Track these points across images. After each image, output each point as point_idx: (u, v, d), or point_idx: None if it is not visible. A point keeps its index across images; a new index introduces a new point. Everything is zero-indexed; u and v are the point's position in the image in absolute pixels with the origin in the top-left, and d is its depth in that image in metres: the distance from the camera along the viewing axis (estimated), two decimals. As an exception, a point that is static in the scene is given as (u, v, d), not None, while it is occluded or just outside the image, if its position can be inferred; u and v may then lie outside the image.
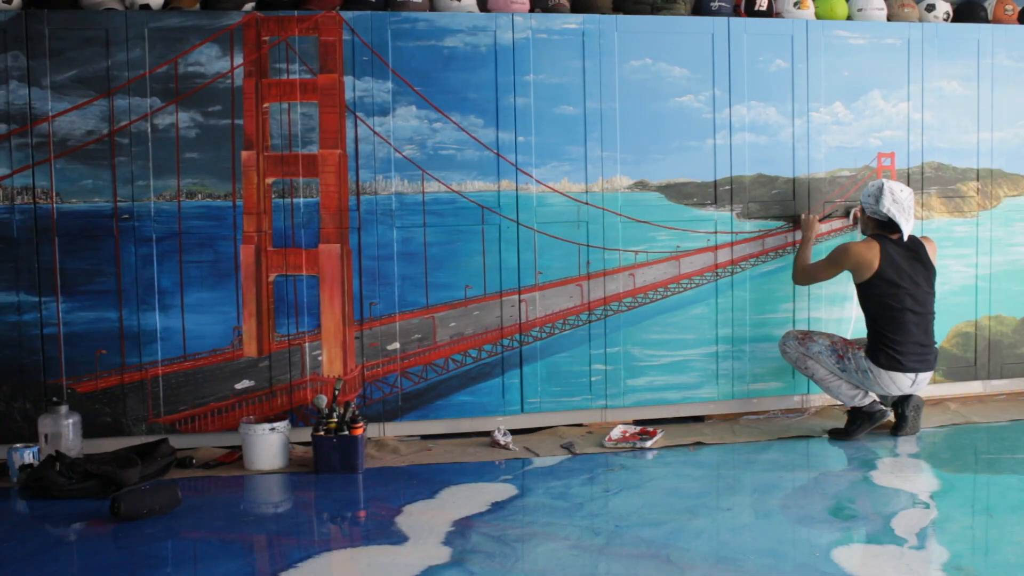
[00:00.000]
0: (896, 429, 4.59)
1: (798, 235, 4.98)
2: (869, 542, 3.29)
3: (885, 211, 4.50)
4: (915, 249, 4.54)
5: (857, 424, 4.58)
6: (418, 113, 4.56)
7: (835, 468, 4.20)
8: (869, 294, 4.53)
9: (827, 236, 5.02)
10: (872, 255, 4.49)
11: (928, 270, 4.54)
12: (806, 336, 4.69)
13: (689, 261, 4.89)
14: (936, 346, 4.62)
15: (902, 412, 4.60)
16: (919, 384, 4.54)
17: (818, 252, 5.01)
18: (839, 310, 5.04)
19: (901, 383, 4.49)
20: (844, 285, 5.03)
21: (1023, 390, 5.39)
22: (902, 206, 4.50)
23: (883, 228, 4.57)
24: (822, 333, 4.71)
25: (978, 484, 3.98)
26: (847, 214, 5.03)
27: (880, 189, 4.52)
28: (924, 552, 3.17)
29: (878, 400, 4.62)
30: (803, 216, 4.90)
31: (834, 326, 5.02)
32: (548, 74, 4.67)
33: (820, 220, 4.94)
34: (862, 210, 4.66)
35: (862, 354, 4.54)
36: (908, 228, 4.53)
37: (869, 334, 4.57)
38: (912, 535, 3.31)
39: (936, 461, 4.24)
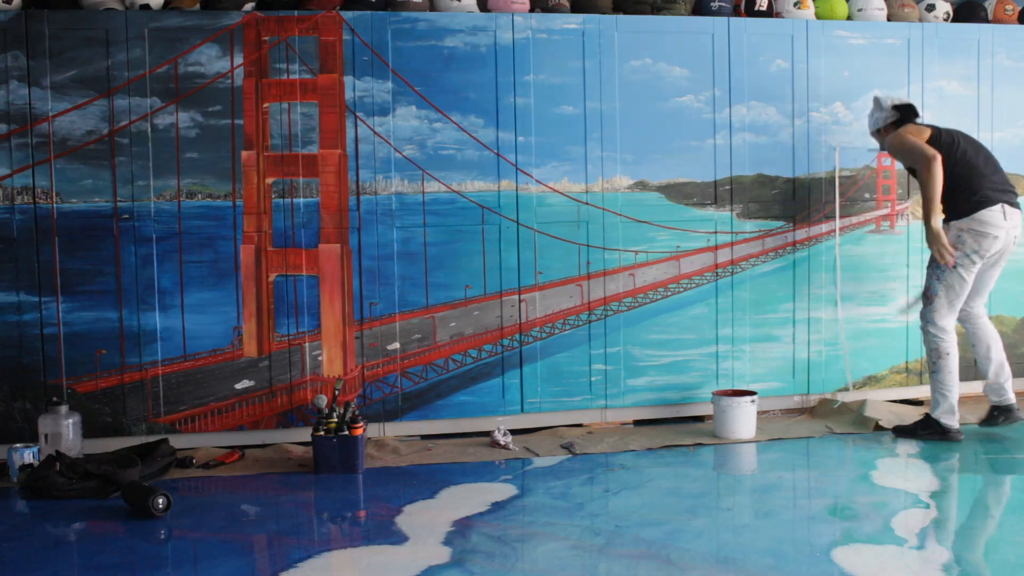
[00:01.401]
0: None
1: (799, 235, 4.98)
2: (869, 542, 3.29)
3: (894, 102, 4.54)
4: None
5: (928, 431, 4.51)
6: (418, 113, 4.56)
7: (835, 468, 4.20)
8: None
9: (827, 236, 5.02)
10: (916, 128, 4.49)
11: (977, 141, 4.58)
12: (924, 305, 4.55)
13: (689, 261, 4.89)
14: (1016, 190, 4.52)
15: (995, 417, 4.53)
16: (1012, 219, 4.38)
17: (819, 252, 5.02)
18: (840, 310, 5.04)
19: (993, 221, 4.34)
20: (844, 285, 5.03)
21: (1023, 390, 5.38)
22: (896, 95, 4.60)
23: (902, 123, 4.57)
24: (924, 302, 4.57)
25: (978, 484, 3.98)
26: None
27: (875, 101, 4.60)
28: (924, 552, 3.17)
29: (957, 429, 4.48)
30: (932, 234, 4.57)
31: (835, 326, 5.02)
32: (548, 74, 4.67)
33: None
34: (876, 132, 4.64)
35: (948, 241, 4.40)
36: (918, 105, 4.61)
37: (946, 208, 4.45)
38: (912, 535, 3.31)
39: (936, 461, 4.24)
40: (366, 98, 4.51)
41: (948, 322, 4.49)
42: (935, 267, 4.48)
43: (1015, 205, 4.45)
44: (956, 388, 4.50)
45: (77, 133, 4.29)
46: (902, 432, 4.59)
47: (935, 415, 4.51)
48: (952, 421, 4.50)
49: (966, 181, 4.42)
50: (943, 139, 4.46)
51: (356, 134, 4.52)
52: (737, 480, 4.15)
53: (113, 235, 4.34)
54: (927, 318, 4.52)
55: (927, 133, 4.48)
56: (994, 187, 4.42)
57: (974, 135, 5.14)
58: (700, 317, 4.91)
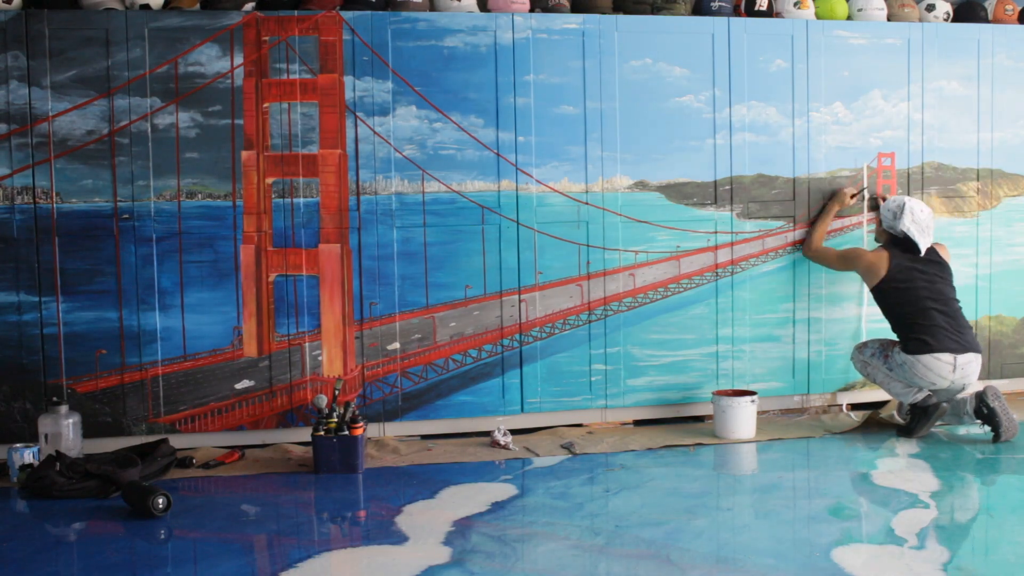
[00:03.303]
0: (994, 432, 4.44)
1: (799, 235, 4.98)
2: (869, 542, 3.29)
3: (904, 229, 4.60)
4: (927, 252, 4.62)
5: (916, 421, 4.57)
6: (418, 113, 4.56)
7: (835, 468, 4.20)
8: (884, 299, 4.63)
9: (828, 236, 5.01)
10: (880, 264, 4.59)
11: (941, 266, 4.60)
12: (864, 344, 4.75)
13: (689, 261, 4.89)
14: (972, 331, 4.57)
15: (987, 408, 4.43)
16: (963, 370, 4.46)
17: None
18: (839, 310, 5.04)
19: (939, 369, 4.44)
20: (844, 285, 5.04)
21: (1023, 390, 5.39)
22: (920, 225, 4.60)
23: (896, 243, 4.66)
24: (875, 339, 4.76)
25: (978, 484, 3.98)
26: (875, 206, 4.99)
27: (901, 208, 4.62)
28: (924, 552, 3.17)
29: (932, 395, 4.56)
30: (838, 191, 4.93)
31: (835, 326, 5.03)
32: (548, 74, 4.67)
33: (851, 197, 4.93)
34: (879, 221, 4.74)
35: (898, 349, 4.56)
36: (924, 245, 4.59)
37: (899, 335, 4.61)
38: (912, 535, 3.31)
39: (936, 461, 4.24)
40: (366, 98, 4.51)
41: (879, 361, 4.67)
42: (893, 352, 4.58)
43: (972, 350, 4.48)
44: (896, 381, 4.60)
45: (77, 133, 4.29)
46: (904, 433, 4.61)
47: (909, 402, 4.59)
48: (920, 396, 4.54)
49: (914, 320, 4.51)
50: (895, 279, 4.55)
51: (356, 134, 4.52)
52: (737, 480, 4.15)
53: (113, 235, 4.34)
54: (862, 359, 4.70)
55: (883, 269, 4.55)
56: (942, 336, 4.45)
57: (974, 136, 5.16)
58: (700, 317, 4.91)
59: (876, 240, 4.86)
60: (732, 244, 4.92)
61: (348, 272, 4.53)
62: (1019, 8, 5.36)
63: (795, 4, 5.00)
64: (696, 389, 4.91)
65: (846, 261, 4.77)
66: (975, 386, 4.62)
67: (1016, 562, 3.07)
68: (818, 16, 5.06)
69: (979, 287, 5.20)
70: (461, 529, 3.41)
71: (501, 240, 4.67)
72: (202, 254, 4.42)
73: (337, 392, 4.29)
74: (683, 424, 4.87)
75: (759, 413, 4.75)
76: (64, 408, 4.17)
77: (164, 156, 4.36)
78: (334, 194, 4.50)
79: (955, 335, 4.48)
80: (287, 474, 4.17)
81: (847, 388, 5.08)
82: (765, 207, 4.95)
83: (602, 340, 4.79)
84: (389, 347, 4.61)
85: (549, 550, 3.22)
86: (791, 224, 4.98)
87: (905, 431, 4.60)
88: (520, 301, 4.70)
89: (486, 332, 4.68)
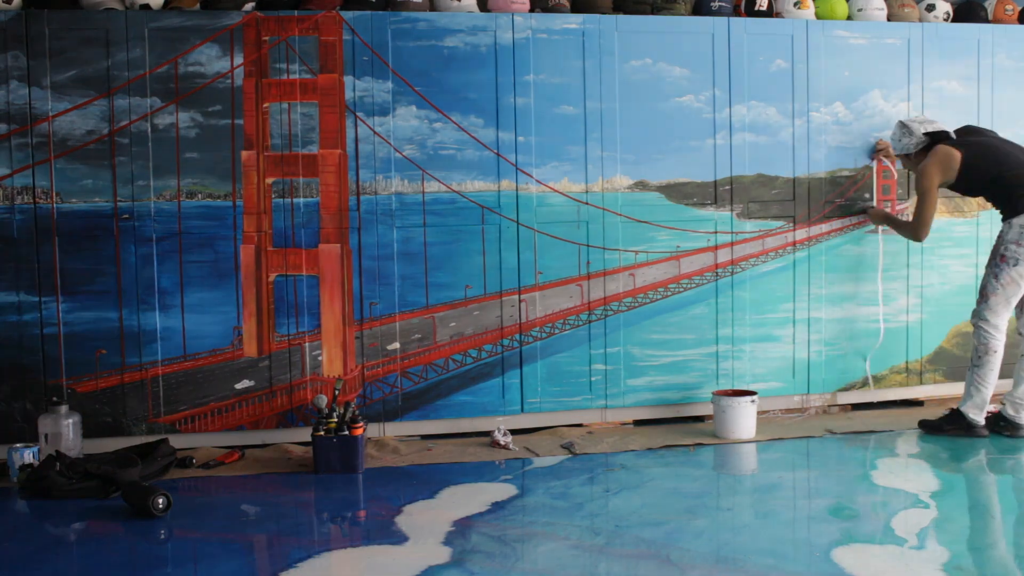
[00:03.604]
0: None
1: (799, 235, 4.98)
2: (869, 542, 3.29)
3: (923, 133, 4.60)
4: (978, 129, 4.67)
5: (954, 426, 4.53)
6: (418, 113, 4.56)
7: (835, 468, 4.20)
8: (975, 172, 4.52)
9: (827, 236, 5.02)
10: (946, 151, 4.54)
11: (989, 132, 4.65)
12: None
13: (689, 261, 4.89)
14: None
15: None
16: None
17: (819, 252, 5.02)
18: (839, 310, 5.04)
19: None
20: (844, 285, 5.04)
21: None
22: (931, 121, 4.65)
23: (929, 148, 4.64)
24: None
25: (978, 484, 3.98)
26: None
27: (902, 125, 4.67)
28: (924, 552, 3.17)
29: (983, 425, 4.52)
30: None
31: (835, 326, 5.03)
32: (548, 74, 4.67)
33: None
34: (905, 156, 4.73)
35: (1008, 237, 4.46)
36: (949, 128, 4.64)
37: (1000, 199, 4.54)
38: (912, 535, 3.31)
39: (936, 461, 4.24)
40: (366, 98, 4.51)
41: (1001, 320, 4.51)
42: (994, 265, 4.50)
43: None
44: (993, 386, 4.52)
45: (77, 133, 4.29)
46: (928, 427, 4.60)
47: (963, 408, 4.53)
48: (979, 417, 4.51)
49: (1011, 174, 4.45)
50: (977, 160, 4.50)
51: (356, 134, 4.52)
52: (737, 480, 4.15)
53: (113, 235, 4.34)
54: (981, 315, 4.52)
55: (957, 159, 4.50)
56: None
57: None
58: (700, 317, 4.91)
59: (921, 181, 4.60)
60: (732, 244, 4.92)
61: (348, 272, 4.53)
62: (1019, 8, 5.37)
63: (795, 4, 5.00)
64: (696, 389, 4.91)
65: (927, 184, 4.54)
66: None
67: (1016, 562, 3.07)
68: (818, 16, 5.06)
69: (979, 287, 5.18)
70: (461, 529, 3.42)
71: (501, 240, 4.67)
72: (202, 254, 4.42)
73: (337, 392, 4.29)
74: (683, 424, 4.87)
75: (759, 413, 4.75)
76: (64, 408, 4.17)
77: (164, 156, 4.36)
78: (334, 194, 4.50)
79: None
80: (287, 474, 4.17)
81: (847, 388, 5.09)
82: (765, 207, 4.95)
83: (602, 340, 4.79)
84: (389, 347, 4.61)
85: (549, 550, 3.22)
86: (791, 224, 4.98)
87: (932, 428, 4.58)
88: (520, 301, 4.70)
89: (486, 332, 4.68)
